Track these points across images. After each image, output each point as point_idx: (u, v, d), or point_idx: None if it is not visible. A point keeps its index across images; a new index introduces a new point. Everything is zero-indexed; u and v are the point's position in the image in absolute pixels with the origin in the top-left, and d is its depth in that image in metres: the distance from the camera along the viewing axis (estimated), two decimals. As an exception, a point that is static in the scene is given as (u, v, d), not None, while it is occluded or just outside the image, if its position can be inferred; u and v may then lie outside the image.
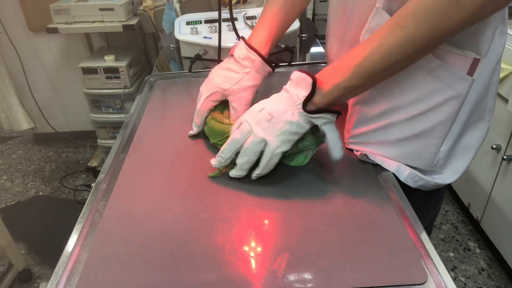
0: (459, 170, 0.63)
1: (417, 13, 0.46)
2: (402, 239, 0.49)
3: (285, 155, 0.59)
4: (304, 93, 0.55)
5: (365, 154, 0.63)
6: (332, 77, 0.54)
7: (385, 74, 0.53)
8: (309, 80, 0.54)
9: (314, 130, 0.58)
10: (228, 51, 0.74)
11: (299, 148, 0.59)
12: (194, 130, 0.73)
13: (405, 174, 0.61)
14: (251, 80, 0.71)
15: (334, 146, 0.57)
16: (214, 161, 0.62)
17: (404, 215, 0.53)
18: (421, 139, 0.59)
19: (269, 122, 0.56)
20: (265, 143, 0.57)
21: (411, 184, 0.61)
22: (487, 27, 0.53)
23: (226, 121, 0.68)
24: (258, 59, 0.70)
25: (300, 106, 0.55)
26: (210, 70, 0.75)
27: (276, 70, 0.81)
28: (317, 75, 0.56)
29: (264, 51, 0.72)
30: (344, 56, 0.54)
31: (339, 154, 0.58)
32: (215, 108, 0.72)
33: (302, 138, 0.58)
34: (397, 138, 0.60)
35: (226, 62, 0.73)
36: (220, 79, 0.71)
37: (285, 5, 0.74)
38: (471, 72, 0.53)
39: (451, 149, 0.60)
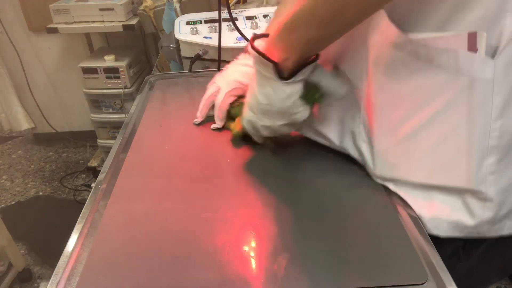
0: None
1: None
2: (402, 239, 0.49)
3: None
4: (271, 66, 0.53)
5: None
6: (292, 34, 0.52)
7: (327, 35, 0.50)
8: (257, 55, 0.53)
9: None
10: (229, 51, 0.74)
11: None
12: (220, 124, 0.73)
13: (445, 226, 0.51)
14: None
15: (333, 89, 0.56)
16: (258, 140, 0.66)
17: (404, 214, 0.53)
18: (451, 144, 0.49)
19: (270, 112, 0.58)
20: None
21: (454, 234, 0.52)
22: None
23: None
24: None
25: (277, 79, 0.54)
26: (210, 70, 0.75)
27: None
28: (273, 38, 0.53)
29: None
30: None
31: (342, 91, 0.57)
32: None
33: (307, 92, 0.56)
34: (424, 150, 0.51)
35: (243, 58, 0.74)
36: (238, 74, 0.72)
37: None
38: (472, 47, 0.44)
39: (499, 160, 0.47)
